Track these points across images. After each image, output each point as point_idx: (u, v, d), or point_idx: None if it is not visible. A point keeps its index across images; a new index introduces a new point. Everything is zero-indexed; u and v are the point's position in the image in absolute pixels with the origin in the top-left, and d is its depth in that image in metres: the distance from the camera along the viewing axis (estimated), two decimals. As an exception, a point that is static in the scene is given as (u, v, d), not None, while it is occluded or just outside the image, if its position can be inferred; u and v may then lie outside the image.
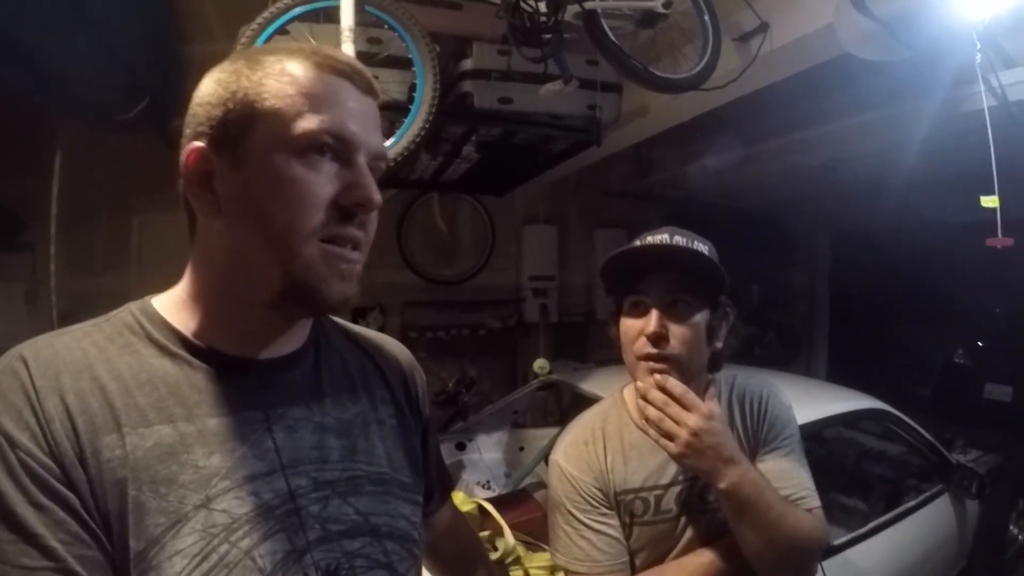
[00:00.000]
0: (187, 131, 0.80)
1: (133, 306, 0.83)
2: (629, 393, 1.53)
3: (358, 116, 0.80)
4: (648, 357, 1.35)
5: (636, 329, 1.38)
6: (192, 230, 0.83)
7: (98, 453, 0.69)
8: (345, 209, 0.78)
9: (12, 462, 0.66)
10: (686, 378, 1.35)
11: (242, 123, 0.76)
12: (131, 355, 0.77)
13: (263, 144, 0.75)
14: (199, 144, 0.78)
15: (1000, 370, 5.88)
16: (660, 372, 1.34)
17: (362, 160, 0.80)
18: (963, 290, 6.19)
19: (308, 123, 0.75)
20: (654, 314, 1.35)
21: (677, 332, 1.35)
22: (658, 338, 1.34)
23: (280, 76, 0.77)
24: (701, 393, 1.40)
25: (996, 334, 6.18)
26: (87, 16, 2.71)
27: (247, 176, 0.76)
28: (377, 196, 0.80)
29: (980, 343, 6.37)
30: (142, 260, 4.56)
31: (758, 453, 1.44)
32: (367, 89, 0.82)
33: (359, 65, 0.83)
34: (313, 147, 0.76)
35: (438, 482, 1.11)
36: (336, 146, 0.77)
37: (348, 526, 0.82)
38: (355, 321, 1.15)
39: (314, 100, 0.76)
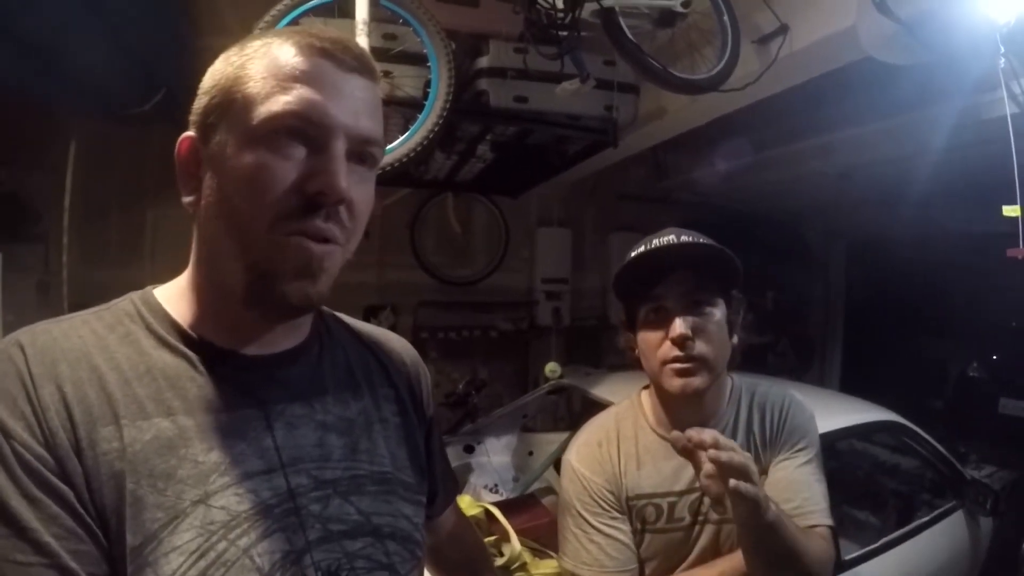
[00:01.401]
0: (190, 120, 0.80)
1: (135, 295, 0.82)
2: (647, 396, 1.51)
3: (338, 98, 0.74)
4: (676, 360, 1.33)
5: (659, 336, 1.35)
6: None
7: (95, 444, 0.68)
8: (309, 198, 0.73)
9: (6, 453, 0.64)
10: (713, 376, 1.34)
11: (220, 110, 0.75)
12: (130, 345, 0.75)
13: (232, 129, 0.74)
14: (190, 133, 0.78)
15: (1015, 385, 5.80)
16: (688, 373, 1.32)
17: (337, 146, 0.74)
18: (979, 302, 6.14)
19: (273, 106, 0.72)
20: (678, 318, 1.32)
21: (701, 332, 1.33)
22: (684, 340, 1.31)
23: (260, 60, 0.75)
24: (723, 393, 1.42)
25: (1011, 348, 6.11)
26: (102, 10, 2.71)
27: (218, 163, 0.74)
28: (342, 184, 0.73)
29: (995, 356, 6.31)
30: (155, 254, 4.58)
31: (772, 462, 1.41)
32: (355, 68, 0.77)
33: (348, 43, 0.78)
34: (279, 131, 0.72)
35: (442, 484, 1.08)
36: (306, 130, 0.73)
37: (350, 526, 0.80)
38: (366, 320, 1.13)
39: (287, 82, 0.72)
